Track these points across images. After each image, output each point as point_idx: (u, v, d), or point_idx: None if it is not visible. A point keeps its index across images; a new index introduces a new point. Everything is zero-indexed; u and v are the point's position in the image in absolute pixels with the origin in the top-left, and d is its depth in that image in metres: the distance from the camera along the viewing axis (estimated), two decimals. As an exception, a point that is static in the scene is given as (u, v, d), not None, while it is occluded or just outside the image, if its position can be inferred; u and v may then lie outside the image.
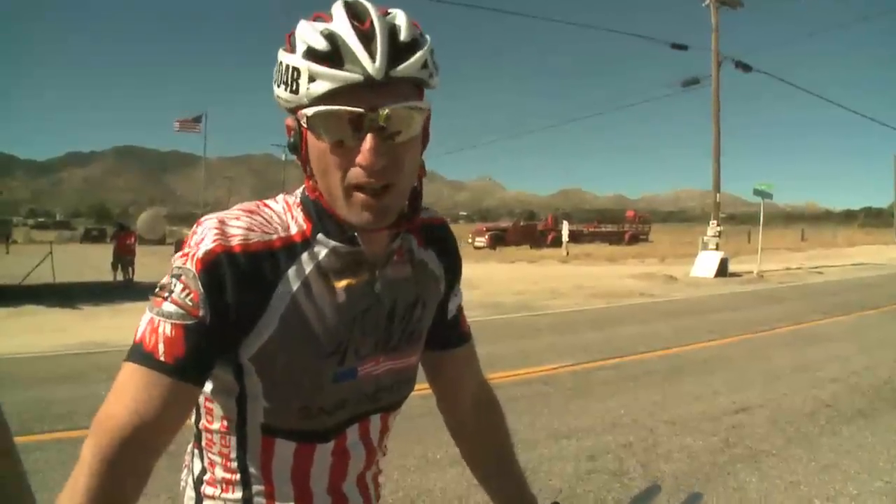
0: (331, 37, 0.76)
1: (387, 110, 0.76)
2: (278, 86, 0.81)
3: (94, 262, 20.40)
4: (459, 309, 1.11)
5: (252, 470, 0.90)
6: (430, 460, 3.86)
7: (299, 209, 0.89)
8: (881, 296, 12.22)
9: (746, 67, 20.90)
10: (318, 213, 0.87)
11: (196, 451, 0.98)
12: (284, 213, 0.88)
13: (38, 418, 4.68)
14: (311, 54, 0.76)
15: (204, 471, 0.95)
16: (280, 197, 0.92)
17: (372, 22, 0.77)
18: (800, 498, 3.36)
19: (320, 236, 0.87)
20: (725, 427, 4.52)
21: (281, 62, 0.80)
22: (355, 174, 0.78)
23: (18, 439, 1.20)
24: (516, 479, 1.11)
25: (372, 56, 0.75)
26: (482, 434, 1.14)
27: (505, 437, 1.15)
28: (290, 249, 0.85)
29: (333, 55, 0.75)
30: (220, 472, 0.92)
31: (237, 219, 0.84)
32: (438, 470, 3.72)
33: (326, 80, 0.75)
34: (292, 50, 0.79)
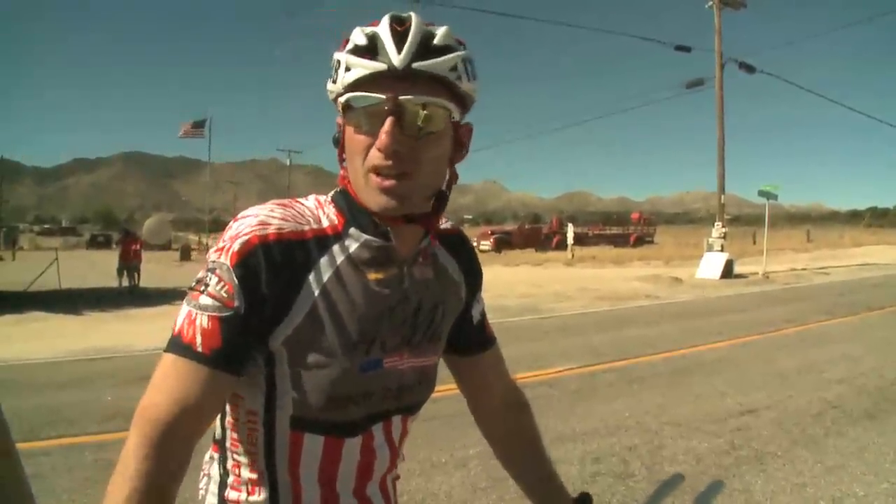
0: (372, 36, 0.83)
1: (405, 99, 0.81)
2: (328, 80, 0.88)
3: (100, 268, 20.51)
4: (483, 314, 1.15)
5: (279, 470, 0.92)
6: (435, 464, 3.86)
7: (331, 206, 0.93)
8: (887, 296, 12.16)
9: (750, 68, 20.83)
10: (350, 208, 0.91)
11: (217, 455, 0.99)
12: (316, 209, 0.93)
13: (44, 424, 4.69)
14: (353, 49, 0.84)
15: (227, 474, 0.96)
16: (311, 196, 0.96)
17: (409, 26, 0.83)
18: (806, 500, 3.35)
19: (353, 230, 0.91)
20: (731, 429, 4.51)
21: (333, 58, 0.88)
22: (373, 156, 0.83)
23: (24, 445, 1.21)
24: (549, 477, 1.15)
25: (399, 50, 0.81)
26: (513, 435, 1.18)
27: (535, 436, 1.18)
28: (322, 241, 0.89)
29: (370, 49, 0.83)
30: (245, 473, 0.94)
31: (271, 211, 0.88)
32: (443, 474, 3.72)
33: (357, 67, 0.83)
34: (343, 49, 0.87)
